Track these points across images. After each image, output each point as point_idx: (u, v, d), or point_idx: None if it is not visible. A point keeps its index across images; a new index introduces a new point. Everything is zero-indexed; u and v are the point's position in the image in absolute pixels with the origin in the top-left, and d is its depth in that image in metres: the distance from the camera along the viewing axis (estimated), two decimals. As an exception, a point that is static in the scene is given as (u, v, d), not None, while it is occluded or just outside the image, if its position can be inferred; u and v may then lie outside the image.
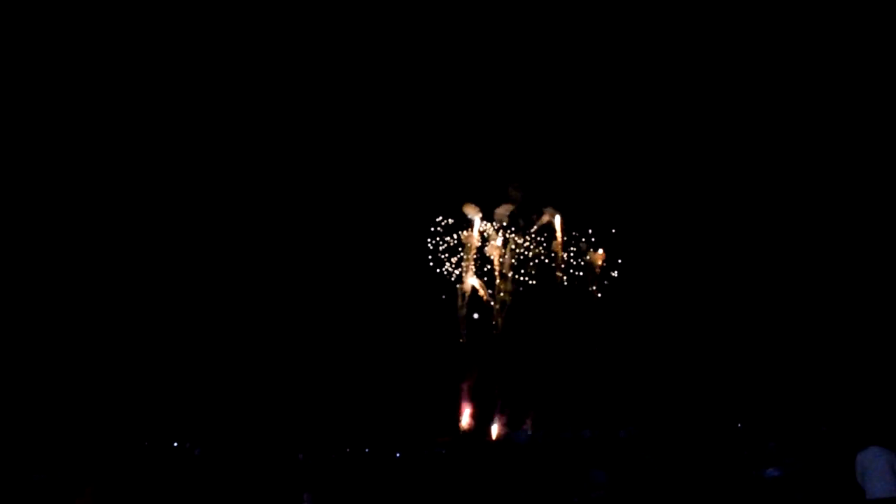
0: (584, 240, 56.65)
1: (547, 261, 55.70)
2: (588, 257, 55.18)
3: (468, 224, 55.55)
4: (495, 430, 51.02)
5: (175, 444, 35.18)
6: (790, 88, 58.93)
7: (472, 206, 55.86)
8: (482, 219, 55.84)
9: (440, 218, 51.39)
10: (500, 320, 55.42)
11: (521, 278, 56.28)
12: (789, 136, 60.04)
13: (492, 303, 54.01)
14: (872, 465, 7.66)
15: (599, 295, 55.97)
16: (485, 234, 57.01)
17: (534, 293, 57.23)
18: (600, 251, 56.13)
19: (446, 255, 52.88)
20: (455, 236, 56.74)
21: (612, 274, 55.91)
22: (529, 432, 47.85)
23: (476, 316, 54.01)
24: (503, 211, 55.22)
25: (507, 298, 54.39)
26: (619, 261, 56.46)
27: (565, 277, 55.20)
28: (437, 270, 52.63)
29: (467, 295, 55.60)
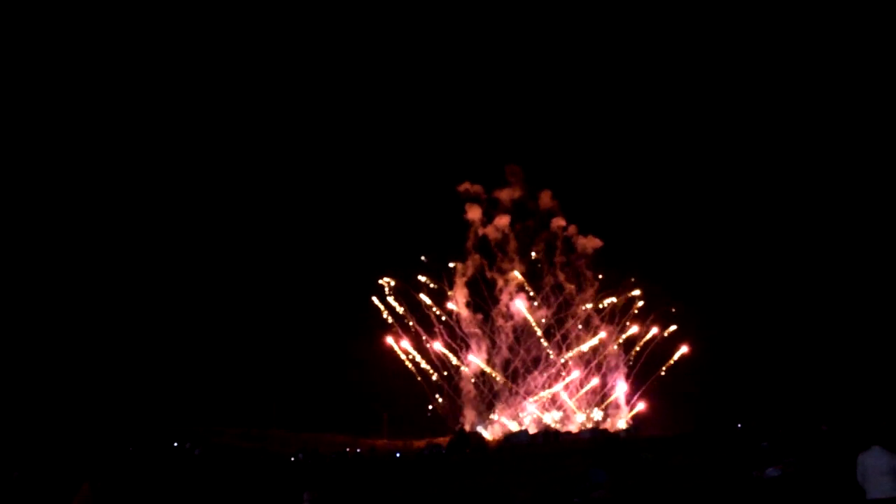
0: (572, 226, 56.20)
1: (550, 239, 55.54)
2: (577, 245, 54.98)
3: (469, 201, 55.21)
4: (496, 430, 50.97)
5: (175, 444, 35.20)
6: (785, 77, 58.61)
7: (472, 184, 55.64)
8: (484, 201, 55.65)
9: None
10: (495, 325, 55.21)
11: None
12: (787, 135, 59.82)
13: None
14: (874, 465, 7.65)
15: (599, 295, 55.86)
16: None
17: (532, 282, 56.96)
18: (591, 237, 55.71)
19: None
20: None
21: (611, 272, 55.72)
22: (529, 432, 47.82)
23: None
24: (505, 195, 55.11)
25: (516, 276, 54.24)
26: (618, 255, 56.23)
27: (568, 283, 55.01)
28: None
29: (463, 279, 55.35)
